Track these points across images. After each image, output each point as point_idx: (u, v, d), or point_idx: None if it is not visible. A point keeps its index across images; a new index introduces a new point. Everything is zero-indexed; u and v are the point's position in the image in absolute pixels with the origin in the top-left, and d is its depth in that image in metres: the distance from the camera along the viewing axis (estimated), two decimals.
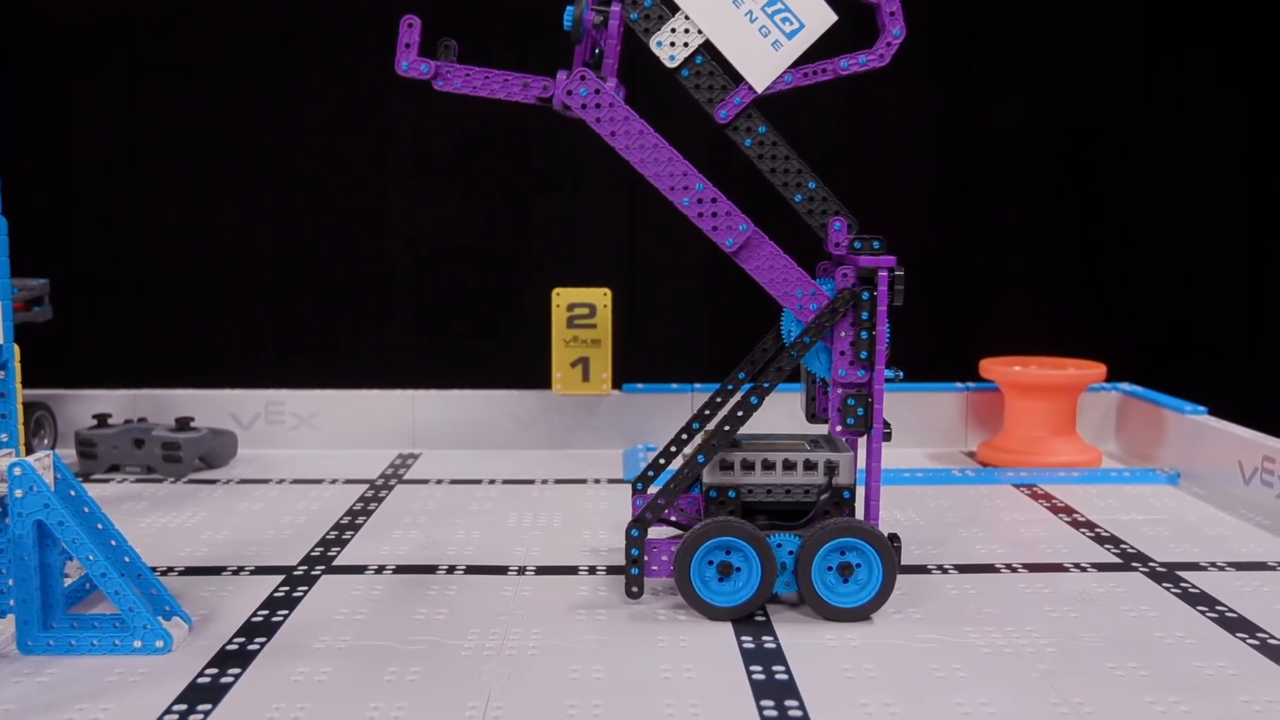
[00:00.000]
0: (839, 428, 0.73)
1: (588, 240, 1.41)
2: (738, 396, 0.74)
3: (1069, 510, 0.98)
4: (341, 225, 1.42)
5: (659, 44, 0.73)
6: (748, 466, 0.74)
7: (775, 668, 0.65)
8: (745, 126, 0.74)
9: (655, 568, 0.74)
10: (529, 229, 1.44)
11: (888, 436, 0.72)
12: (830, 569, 0.72)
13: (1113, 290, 1.45)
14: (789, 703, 0.60)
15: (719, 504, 0.75)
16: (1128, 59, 1.42)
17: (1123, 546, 0.88)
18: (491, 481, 1.08)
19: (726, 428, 0.73)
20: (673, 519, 0.81)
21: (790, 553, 0.72)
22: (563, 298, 1.17)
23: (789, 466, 0.74)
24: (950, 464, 1.15)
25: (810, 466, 0.74)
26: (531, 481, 1.08)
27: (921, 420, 1.23)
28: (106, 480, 1.07)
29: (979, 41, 1.43)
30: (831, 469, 0.74)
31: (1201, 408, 1.11)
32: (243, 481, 1.07)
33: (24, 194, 1.40)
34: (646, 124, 0.72)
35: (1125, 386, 1.24)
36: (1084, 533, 0.92)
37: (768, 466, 0.74)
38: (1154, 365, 1.41)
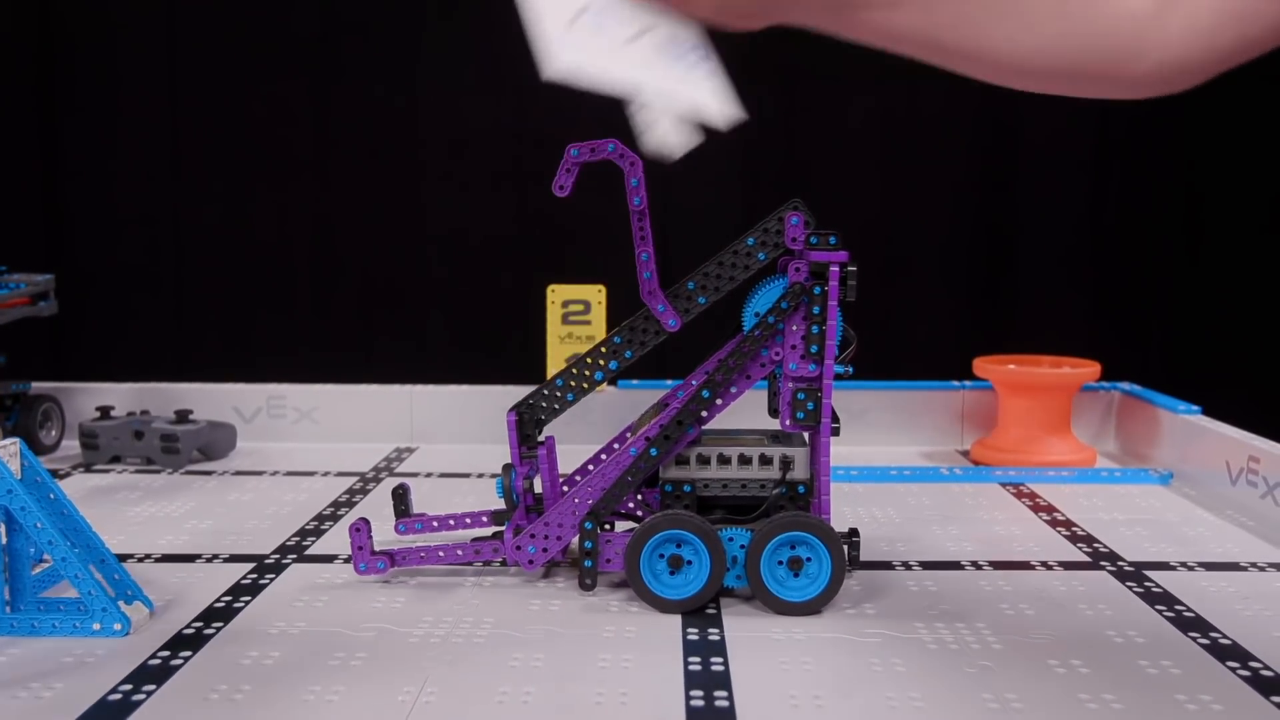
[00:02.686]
0: (789, 421, 0.73)
1: (581, 237, 1.42)
2: (692, 390, 0.75)
3: (1050, 509, 0.97)
4: (376, 223, 1.45)
5: None
6: (703, 461, 0.75)
7: (713, 659, 0.65)
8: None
9: (609, 560, 0.75)
10: (533, 226, 1.45)
11: (836, 431, 0.73)
12: (780, 563, 0.72)
13: (1150, 291, 1.43)
14: (718, 693, 0.61)
15: (674, 498, 0.75)
16: None
17: (1095, 546, 0.87)
18: (480, 476, 1.09)
19: (680, 422, 0.74)
20: (638, 514, 0.82)
21: (742, 546, 0.72)
22: (558, 294, 1.18)
23: (744, 461, 0.75)
24: (942, 463, 1.15)
25: (765, 461, 0.75)
26: None
27: (917, 419, 1.22)
28: (107, 470, 1.10)
29: None
30: (786, 464, 0.74)
31: (1195, 407, 1.09)
32: (237, 473, 1.10)
33: (69, 192, 1.45)
34: None
35: (1124, 386, 1.22)
36: (1060, 531, 0.91)
37: (723, 461, 0.75)
38: (1185, 370, 1.39)
